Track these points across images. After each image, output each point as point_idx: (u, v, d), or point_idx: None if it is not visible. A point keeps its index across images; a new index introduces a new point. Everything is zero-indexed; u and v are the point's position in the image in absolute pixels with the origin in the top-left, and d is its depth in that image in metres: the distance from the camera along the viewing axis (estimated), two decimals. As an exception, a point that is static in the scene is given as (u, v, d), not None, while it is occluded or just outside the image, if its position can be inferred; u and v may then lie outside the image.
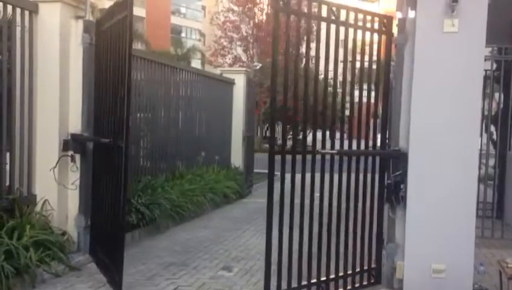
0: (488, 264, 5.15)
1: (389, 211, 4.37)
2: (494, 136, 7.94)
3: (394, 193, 4.18)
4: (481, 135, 5.52)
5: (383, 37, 4.45)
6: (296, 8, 3.98)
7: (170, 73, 8.69)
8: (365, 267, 4.50)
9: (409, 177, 4.10)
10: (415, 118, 4.09)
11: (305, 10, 4.06)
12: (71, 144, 5.16)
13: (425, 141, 4.08)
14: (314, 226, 4.12)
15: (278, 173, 12.96)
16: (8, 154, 4.94)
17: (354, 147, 4.41)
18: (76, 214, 5.29)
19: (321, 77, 4.12)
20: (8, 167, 4.93)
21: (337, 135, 4.46)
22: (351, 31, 4.24)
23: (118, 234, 4.24)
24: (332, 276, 4.27)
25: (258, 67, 23.29)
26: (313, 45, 4.18)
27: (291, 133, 28.76)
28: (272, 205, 3.84)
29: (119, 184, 4.14)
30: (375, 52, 4.37)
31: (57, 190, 5.13)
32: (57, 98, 5.09)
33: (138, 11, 36.53)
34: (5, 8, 4.74)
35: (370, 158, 4.58)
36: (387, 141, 4.57)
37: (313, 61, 4.17)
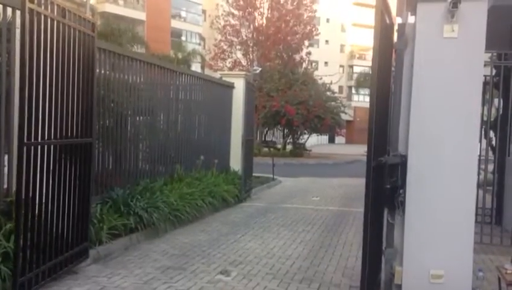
0: (487, 270, 5.14)
1: (388, 216, 4.36)
2: (493, 142, 7.95)
3: (393, 198, 4.16)
4: (480, 141, 5.51)
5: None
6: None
7: (170, 76, 8.70)
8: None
9: (408, 182, 4.09)
10: (414, 123, 4.08)
11: None
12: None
13: (424, 146, 4.07)
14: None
15: (277, 177, 13.01)
16: (6, 157, 4.93)
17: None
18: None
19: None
20: (6, 169, 4.92)
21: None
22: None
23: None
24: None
25: (257, 71, 23.29)
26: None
27: (290, 137, 28.45)
28: (368, 211, 3.69)
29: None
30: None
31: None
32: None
33: (138, 14, 36.60)
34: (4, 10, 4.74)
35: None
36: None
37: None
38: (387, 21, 4.19)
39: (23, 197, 4.08)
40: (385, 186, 4.29)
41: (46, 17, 4.30)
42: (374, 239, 4.03)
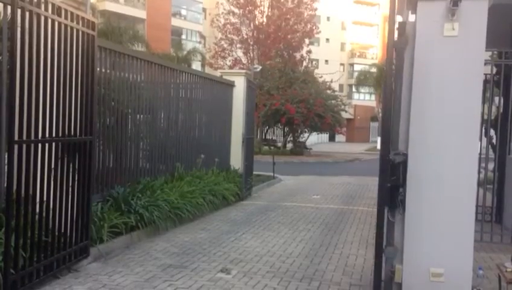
0: (487, 269, 5.15)
1: (389, 214, 4.36)
2: (494, 140, 7.95)
3: (393, 196, 4.17)
4: (481, 139, 5.51)
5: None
6: None
7: (170, 75, 8.70)
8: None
9: (408, 180, 4.10)
10: (414, 121, 4.09)
11: None
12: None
13: (425, 144, 4.07)
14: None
15: (278, 176, 13.04)
16: (6, 155, 4.92)
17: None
18: (75, 215, 5.28)
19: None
20: (6, 167, 4.92)
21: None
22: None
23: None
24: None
25: (258, 69, 23.28)
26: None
27: (290, 135, 28.54)
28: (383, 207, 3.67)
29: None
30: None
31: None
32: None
33: (139, 12, 36.57)
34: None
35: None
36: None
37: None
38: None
39: (13, 196, 4.08)
40: (386, 184, 4.29)
41: (38, 15, 4.30)
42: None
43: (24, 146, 4.19)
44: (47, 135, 4.51)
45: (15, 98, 4.07)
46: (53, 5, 4.48)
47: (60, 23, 4.60)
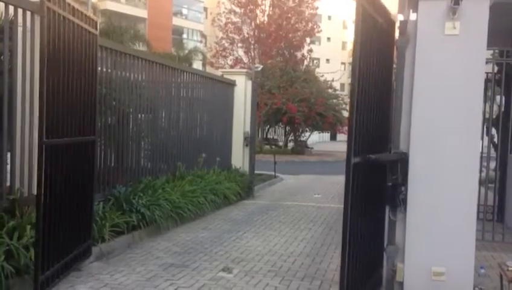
0: (489, 267, 5.14)
1: (390, 213, 4.36)
2: (495, 139, 7.94)
3: (394, 196, 4.17)
4: (482, 138, 5.51)
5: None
6: None
7: (171, 74, 8.71)
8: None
9: (410, 179, 4.10)
10: (415, 120, 4.09)
11: None
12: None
13: (426, 143, 4.07)
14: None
15: (279, 175, 13.01)
16: (8, 155, 4.94)
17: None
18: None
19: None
20: (8, 167, 4.94)
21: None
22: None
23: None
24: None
25: (259, 68, 23.27)
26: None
27: (292, 134, 28.50)
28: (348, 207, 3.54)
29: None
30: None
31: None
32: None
33: (140, 12, 36.57)
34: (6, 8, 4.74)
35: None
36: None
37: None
38: (379, 19, 4.12)
39: (42, 196, 4.09)
40: (387, 183, 4.29)
41: (59, 15, 4.30)
42: (358, 240, 3.88)
43: (49, 147, 4.21)
44: (65, 136, 4.52)
45: (44, 100, 4.09)
46: (69, 4, 4.48)
47: (73, 23, 4.59)
